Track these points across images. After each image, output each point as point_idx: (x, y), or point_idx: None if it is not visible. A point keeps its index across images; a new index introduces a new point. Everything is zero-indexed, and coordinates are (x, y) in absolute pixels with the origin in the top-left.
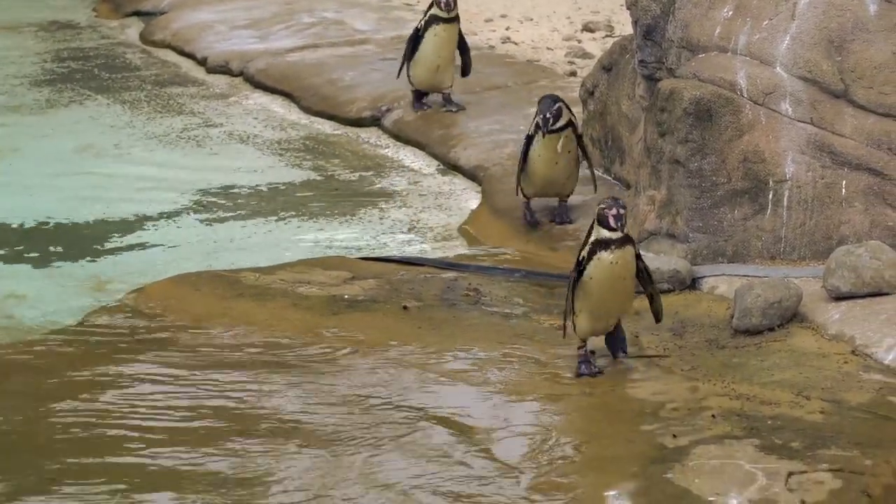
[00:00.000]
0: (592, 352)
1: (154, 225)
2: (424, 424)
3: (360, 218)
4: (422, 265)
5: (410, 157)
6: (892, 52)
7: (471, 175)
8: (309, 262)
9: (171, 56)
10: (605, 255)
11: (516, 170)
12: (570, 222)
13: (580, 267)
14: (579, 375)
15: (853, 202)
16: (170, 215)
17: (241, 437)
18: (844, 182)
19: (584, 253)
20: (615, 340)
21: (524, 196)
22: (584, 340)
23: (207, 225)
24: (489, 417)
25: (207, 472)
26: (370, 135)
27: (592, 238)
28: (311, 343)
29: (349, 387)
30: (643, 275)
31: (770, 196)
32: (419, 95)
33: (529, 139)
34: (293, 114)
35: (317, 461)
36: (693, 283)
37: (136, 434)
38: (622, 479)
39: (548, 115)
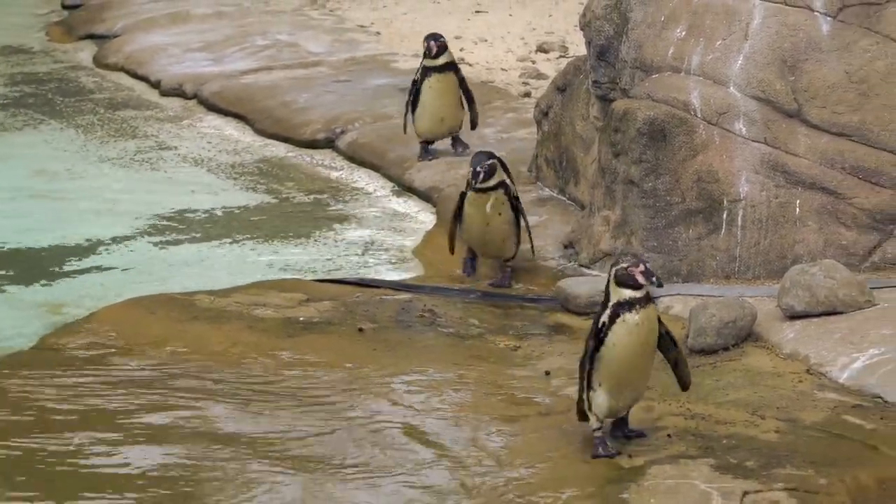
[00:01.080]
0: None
1: (108, 249)
2: (378, 446)
3: (315, 240)
4: (377, 287)
5: (365, 179)
6: (844, 71)
7: (425, 196)
8: (264, 284)
9: (125, 79)
10: (630, 317)
11: (449, 227)
12: (508, 287)
13: (600, 334)
14: (594, 456)
15: (807, 221)
16: (124, 239)
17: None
18: (798, 201)
19: (605, 318)
20: (621, 425)
21: (467, 251)
22: (601, 422)
23: (162, 248)
24: (445, 439)
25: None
26: (324, 157)
27: (612, 301)
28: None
29: (302, 409)
30: (666, 338)
31: (724, 215)
32: (426, 144)
33: (462, 196)
34: (247, 136)
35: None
36: None
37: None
38: (578, 500)
39: (478, 170)
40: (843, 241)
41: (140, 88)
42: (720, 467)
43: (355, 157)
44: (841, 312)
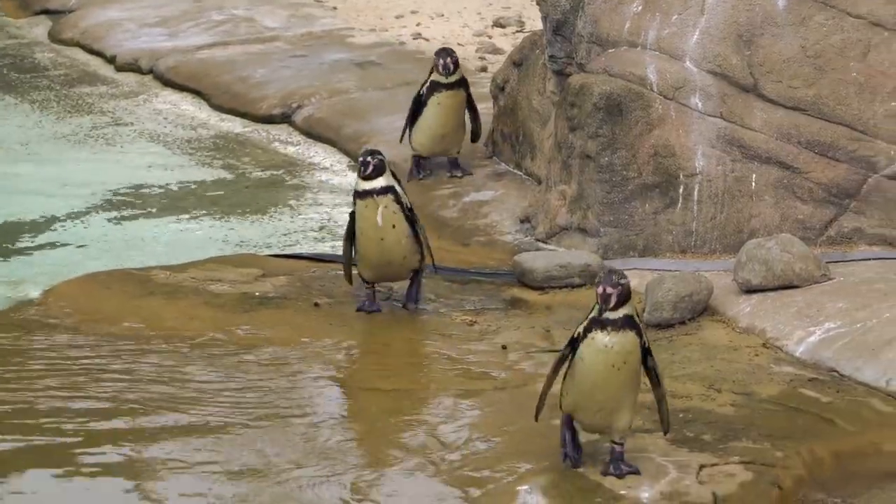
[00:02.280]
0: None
1: (63, 225)
2: (333, 422)
3: (272, 216)
4: (333, 262)
5: (321, 154)
6: (800, 45)
7: None
8: (220, 259)
9: (80, 55)
10: (600, 337)
11: (343, 247)
12: (416, 305)
13: (574, 344)
14: (565, 458)
15: (763, 196)
16: (79, 215)
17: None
18: (754, 176)
19: (581, 329)
20: (612, 461)
21: (364, 281)
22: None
23: (117, 224)
24: (400, 414)
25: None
26: (281, 132)
27: (592, 314)
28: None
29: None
30: (652, 374)
31: (681, 190)
32: (419, 161)
33: (352, 215)
34: (203, 112)
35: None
36: None
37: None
38: (535, 474)
39: (366, 160)
40: (799, 215)
41: (95, 64)
42: (676, 441)
43: (312, 133)
44: (797, 286)
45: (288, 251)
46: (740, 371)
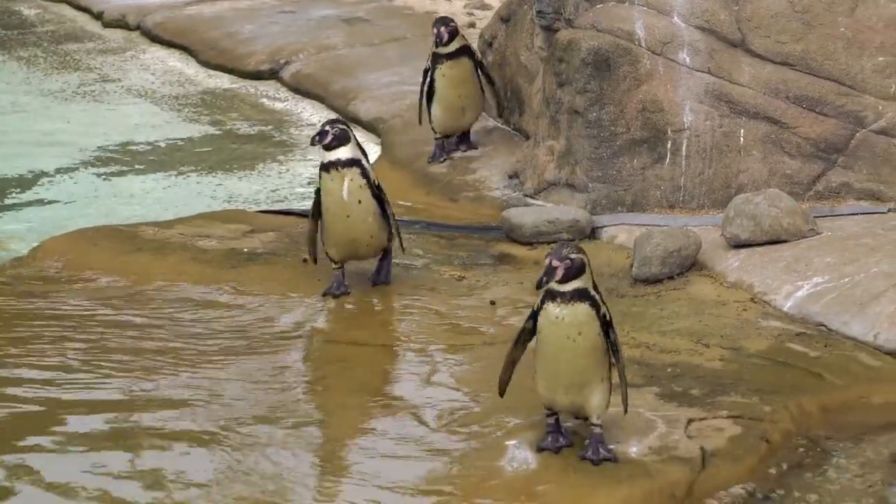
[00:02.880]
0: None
1: (52, 181)
2: (319, 376)
3: (260, 172)
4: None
5: (309, 111)
6: (788, 1)
7: (370, 127)
8: (208, 215)
9: (68, 11)
10: (551, 308)
11: (308, 223)
12: (388, 282)
13: (534, 315)
14: (539, 450)
15: (751, 151)
16: (67, 171)
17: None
18: (742, 131)
19: (538, 302)
20: (591, 444)
21: (332, 261)
22: (548, 409)
23: (105, 180)
24: (388, 369)
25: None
26: (269, 88)
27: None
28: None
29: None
30: (612, 348)
31: (669, 145)
32: (442, 143)
33: (317, 192)
34: (191, 68)
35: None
36: (593, 233)
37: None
38: (523, 429)
39: (325, 129)
40: (787, 170)
41: (82, 20)
42: (665, 395)
43: (299, 89)
44: (785, 241)
45: (276, 207)
46: (728, 326)
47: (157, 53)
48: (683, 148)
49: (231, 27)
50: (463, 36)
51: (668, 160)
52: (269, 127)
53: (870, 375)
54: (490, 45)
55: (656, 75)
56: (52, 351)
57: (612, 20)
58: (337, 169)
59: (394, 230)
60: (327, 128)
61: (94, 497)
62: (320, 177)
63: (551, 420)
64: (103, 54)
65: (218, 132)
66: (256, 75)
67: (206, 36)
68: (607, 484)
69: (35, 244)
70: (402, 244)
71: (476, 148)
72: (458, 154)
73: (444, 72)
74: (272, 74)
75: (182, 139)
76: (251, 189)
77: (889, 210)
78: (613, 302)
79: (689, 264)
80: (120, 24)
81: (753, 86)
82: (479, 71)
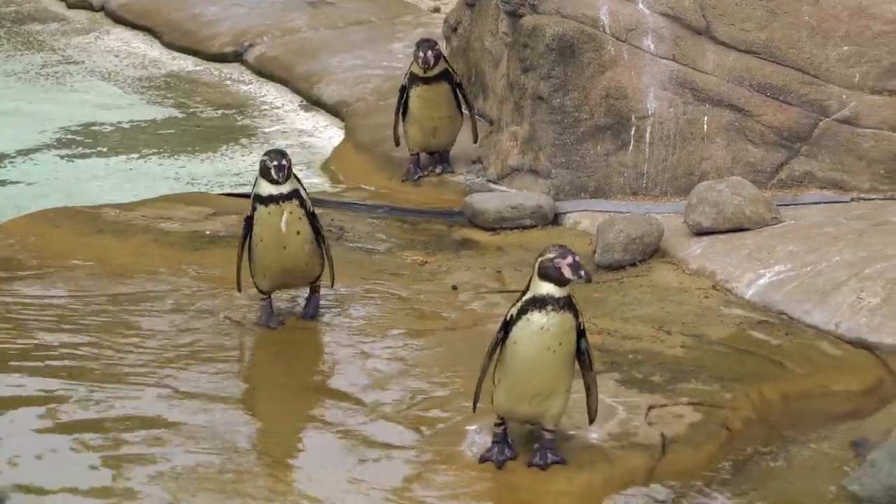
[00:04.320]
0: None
1: (13, 162)
2: (281, 358)
3: (223, 154)
4: None
5: (273, 94)
6: None
7: (334, 111)
8: (170, 198)
9: None
10: (537, 318)
11: (236, 254)
12: (317, 317)
13: (507, 327)
14: (483, 460)
15: (714, 138)
16: (29, 152)
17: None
18: (706, 118)
19: (514, 310)
20: (540, 450)
21: (260, 291)
22: (501, 419)
23: (68, 161)
24: (350, 353)
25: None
26: (233, 70)
27: (529, 294)
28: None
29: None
30: (585, 358)
31: (632, 132)
32: (417, 159)
33: (248, 220)
34: (155, 50)
35: None
36: (556, 219)
37: None
38: (484, 414)
39: (274, 163)
40: (750, 158)
41: (46, 1)
42: (626, 382)
43: (263, 72)
44: (748, 229)
45: (239, 190)
46: (690, 313)
47: (121, 35)
48: (647, 135)
49: (195, 9)
50: (445, 59)
51: (631, 147)
52: (233, 110)
53: (831, 364)
54: (455, 30)
55: (621, 62)
56: (12, 332)
57: (577, 6)
58: (277, 203)
59: (327, 260)
60: (283, 162)
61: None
62: (254, 208)
63: (499, 430)
64: (67, 35)
65: (181, 115)
66: (220, 58)
67: (169, 17)
68: (567, 469)
69: None
70: (332, 277)
71: (453, 172)
72: (434, 174)
73: (419, 93)
74: (236, 57)
75: (145, 121)
76: (214, 172)
77: (852, 199)
78: (576, 288)
79: (652, 251)
80: (84, 5)
81: (717, 73)
82: (458, 94)
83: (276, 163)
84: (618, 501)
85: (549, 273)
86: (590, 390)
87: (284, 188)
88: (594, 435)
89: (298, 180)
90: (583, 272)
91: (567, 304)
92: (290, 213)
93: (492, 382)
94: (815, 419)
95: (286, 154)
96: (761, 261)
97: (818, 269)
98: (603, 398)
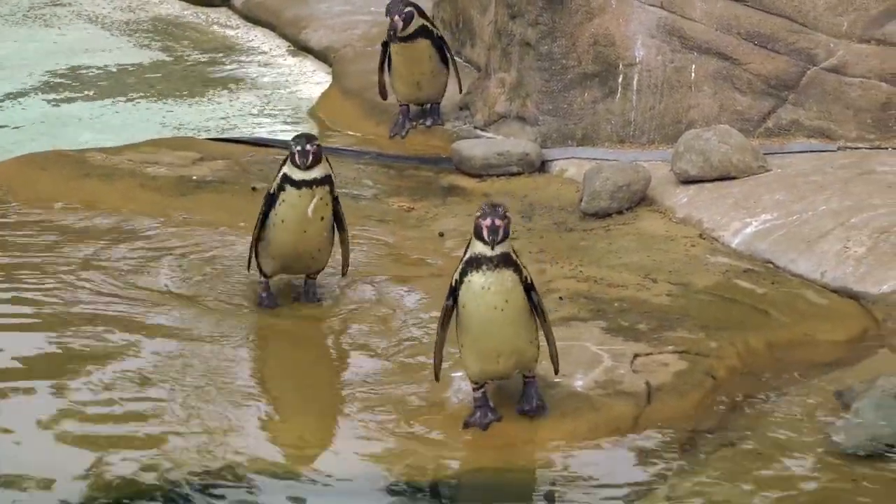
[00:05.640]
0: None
1: (0, 106)
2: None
3: (210, 99)
4: (271, 146)
5: (261, 38)
6: None
7: (322, 56)
8: (157, 142)
9: None
10: (476, 278)
11: (251, 238)
12: (319, 301)
13: (454, 293)
14: (466, 425)
15: (702, 86)
16: (16, 96)
17: None
18: (694, 66)
19: (457, 275)
20: (525, 394)
21: (262, 274)
22: (477, 383)
23: (54, 105)
24: (334, 299)
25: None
26: (220, 15)
27: (466, 256)
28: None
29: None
30: (537, 311)
31: (620, 80)
32: (406, 110)
33: (270, 199)
34: None
35: None
36: (542, 166)
37: None
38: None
39: (305, 148)
40: (737, 106)
41: None
42: (611, 330)
43: (250, 16)
44: (734, 178)
45: (226, 135)
46: (676, 261)
47: None
48: (634, 82)
49: None
50: (423, 14)
51: (618, 94)
52: (220, 54)
53: (816, 313)
54: None
55: (608, 9)
56: None
57: None
58: (310, 187)
59: (343, 247)
60: (308, 147)
61: None
62: (282, 189)
63: (479, 394)
64: None
65: (168, 58)
66: (207, 2)
67: None
68: (552, 417)
69: None
70: (346, 265)
71: (443, 124)
72: (423, 126)
73: (398, 51)
74: (223, 1)
75: (132, 65)
76: (201, 116)
77: (838, 148)
78: (562, 236)
79: (639, 199)
80: None
81: (705, 21)
82: (440, 50)
83: (298, 148)
84: (603, 448)
85: (477, 232)
86: (548, 342)
87: (317, 172)
88: (579, 383)
89: (328, 163)
90: (492, 237)
91: (502, 261)
92: (321, 198)
93: (458, 349)
94: (800, 368)
95: (314, 138)
96: (748, 209)
97: (804, 217)
98: (588, 346)
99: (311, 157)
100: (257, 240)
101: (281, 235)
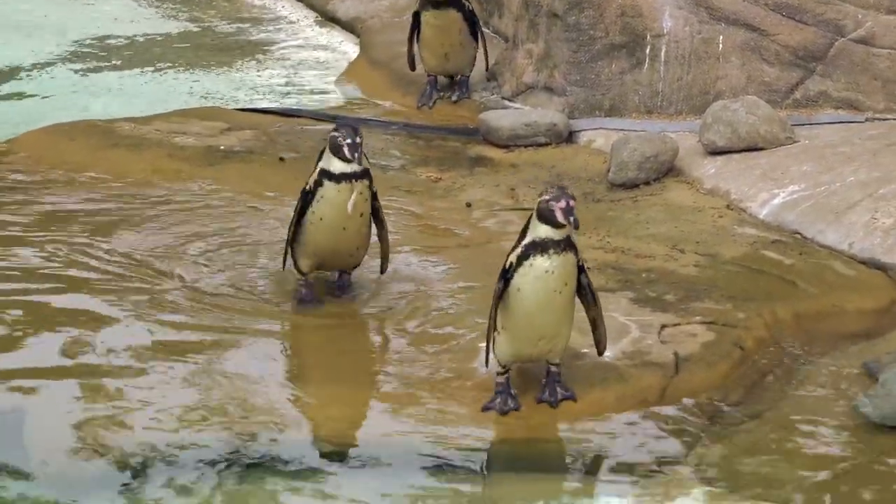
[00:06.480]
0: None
1: (29, 75)
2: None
3: (238, 69)
4: (298, 116)
5: (288, 9)
6: None
7: (349, 27)
8: (185, 112)
9: None
10: (540, 262)
11: (286, 237)
12: (353, 296)
13: (507, 275)
14: (485, 409)
15: (730, 57)
16: (44, 65)
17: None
18: (721, 37)
19: (514, 257)
20: (549, 385)
21: (298, 271)
22: (504, 367)
23: (83, 75)
24: (362, 269)
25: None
26: None
27: (528, 239)
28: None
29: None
30: (587, 293)
31: (647, 50)
32: (434, 81)
33: (307, 196)
34: None
35: None
36: (570, 137)
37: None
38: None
39: (356, 140)
40: (765, 77)
41: None
42: (639, 300)
43: None
44: (762, 149)
45: (253, 105)
46: (704, 232)
47: None
48: (662, 53)
49: None
50: None
51: (646, 65)
52: (248, 25)
53: (843, 284)
54: None
55: None
56: (25, 244)
57: None
58: (350, 181)
59: (382, 243)
60: (357, 140)
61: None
62: (320, 184)
63: (502, 378)
64: None
65: (196, 28)
66: None
67: None
68: (580, 388)
69: (10, 138)
70: (385, 261)
71: (469, 97)
72: (450, 100)
73: (428, 19)
74: None
75: (160, 35)
76: (229, 86)
77: (866, 119)
78: (589, 206)
79: (666, 170)
80: None
81: None
82: (470, 23)
83: (349, 140)
84: (631, 419)
85: (546, 215)
86: (596, 324)
87: (357, 166)
88: (607, 353)
89: (366, 157)
90: (573, 218)
91: (567, 244)
92: (360, 193)
93: (494, 332)
94: (828, 339)
95: (359, 130)
96: (775, 180)
97: (832, 189)
98: (616, 316)
99: (357, 150)
100: (295, 236)
101: (319, 232)
